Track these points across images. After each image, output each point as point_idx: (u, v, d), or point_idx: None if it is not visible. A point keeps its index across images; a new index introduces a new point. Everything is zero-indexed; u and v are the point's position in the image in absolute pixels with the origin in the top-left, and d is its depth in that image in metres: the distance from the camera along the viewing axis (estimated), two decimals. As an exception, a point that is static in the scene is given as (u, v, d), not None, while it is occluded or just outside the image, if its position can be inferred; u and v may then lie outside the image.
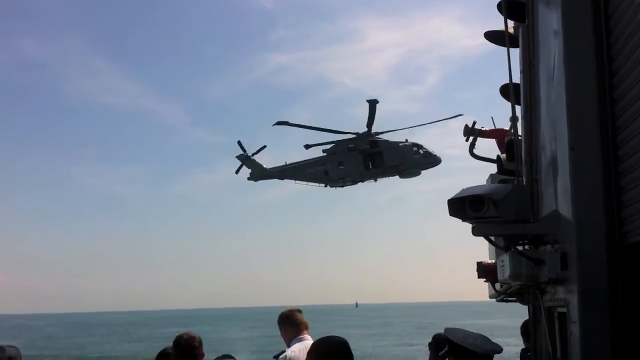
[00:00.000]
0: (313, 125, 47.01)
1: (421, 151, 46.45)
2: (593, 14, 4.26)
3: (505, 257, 4.70)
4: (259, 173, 50.19)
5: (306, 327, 5.59)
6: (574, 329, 4.17)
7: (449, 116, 45.27)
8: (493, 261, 6.40)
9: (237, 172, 50.76)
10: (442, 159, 47.64)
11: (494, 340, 4.88)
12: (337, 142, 47.30)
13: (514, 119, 5.54)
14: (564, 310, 4.47)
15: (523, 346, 8.39)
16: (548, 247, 4.66)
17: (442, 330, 5.58)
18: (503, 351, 4.90)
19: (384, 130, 46.95)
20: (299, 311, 5.71)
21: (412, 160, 46.12)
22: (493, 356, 4.79)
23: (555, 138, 4.62)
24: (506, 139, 7.91)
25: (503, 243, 5.77)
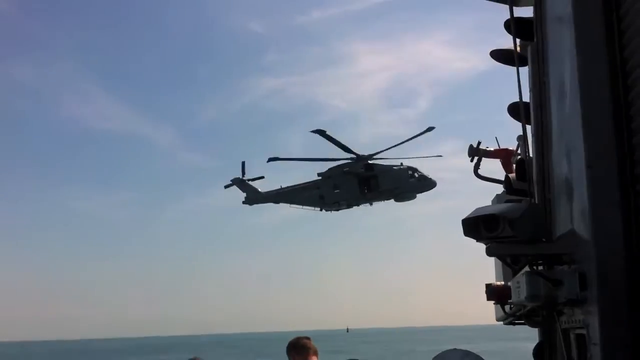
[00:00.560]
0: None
1: (416, 175, 46.52)
2: (606, 30, 4.23)
3: (522, 278, 4.59)
4: (254, 197, 50.09)
5: (315, 353, 5.46)
6: (595, 351, 4.06)
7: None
8: (502, 283, 6.29)
9: (226, 186, 50.72)
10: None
11: None
12: (333, 167, 47.32)
13: (524, 137, 5.48)
14: (582, 332, 4.35)
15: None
16: (565, 267, 4.56)
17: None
18: None
19: (374, 151, 46.88)
20: (307, 338, 5.59)
21: (407, 184, 46.16)
22: None
23: (570, 156, 4.55)
24: (513, 159, 7.87)
25: (512, 263, 5.66)
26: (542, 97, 5.26)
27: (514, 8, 6.04)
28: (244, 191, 50.07)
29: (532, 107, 5.41)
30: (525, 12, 6.00)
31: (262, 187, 50.13)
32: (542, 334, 7.37)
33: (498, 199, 7.66)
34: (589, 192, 4.10)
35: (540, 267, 4.96)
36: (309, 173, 49.83)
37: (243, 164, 49.58)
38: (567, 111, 4.56)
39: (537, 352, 6.51)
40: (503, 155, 8.19)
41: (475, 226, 4.75)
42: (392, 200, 47.77)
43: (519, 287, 4.72)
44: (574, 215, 4.47)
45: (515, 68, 6.33)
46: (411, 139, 46.39)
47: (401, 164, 47.08)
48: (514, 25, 5.35)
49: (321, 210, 49.03)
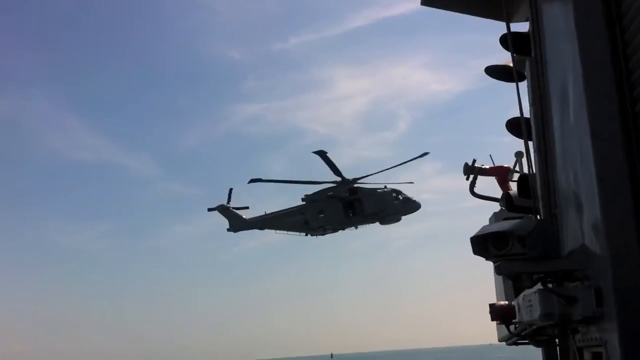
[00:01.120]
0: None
1: (400, 197, 46.44)
2: (610, 42, 4.19)
3: (534, 297, 4.46)
4: (238, 223, 49.63)
5: None
6: None
7: (416, 160, 45.83)
8: (506, 302, 6.16)
9: (209, 210, 50.30)
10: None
11: None
12: (317, 191, 47.12)
13: (527, 153, 5.39)
14: (599, 350, 4.23)
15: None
16: (578, 283, 4.44)
17: None
18: None
19: (360, 176, 46.89)
20: None
21: (392, 207, 46.04)
22: None
23: (578, 170, 4.47)
24: (510, 176, 7.80)
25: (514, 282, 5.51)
26: (543, 111, 5.19)
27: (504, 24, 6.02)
28: (228, 218, 49.64)
29: (533, 121, 5.34)
30: (516, 27, 5.98)
31: (246, 214, 49.76)
32: (546, 354, 7.24)
33: (496, 217, 7.54)
34: (601, 205, 4.02)
35: (549, 285, 4.84)
36: (293, 199, 49.60)
37: (230, 190, 49.20)
38: (572, 124, 4.49)
39: None
40: (499, 172, 8.11)
41: (483, 244, 4.63)
42: (377, 223, 47.68)
43: (530, 305, 4.59)
44: (584, 229, 4.37)
45: (506, 83, 6.29)
46: (406, 162, 46.73)
47: (385, 186, 47.02)
48: (511, 41, 5.30)
49: (306, 235, 48.69)
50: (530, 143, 5.48)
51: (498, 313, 6.16)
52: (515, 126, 5.84)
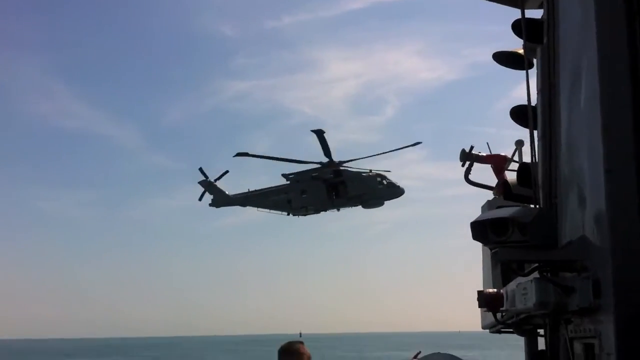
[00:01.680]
0: (273, 153, 46.82)
1: (385, 182, 46.52)
2: (629, 33, 4.13)
3: (530, 285, 4.44)
4: (221, 199, 49.55)
5: (309, 359, 5.19)
6: None
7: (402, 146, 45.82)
8: (495, 290, 6.16)
9: (200, 198, 50.06)
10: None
11: None
12: (301, 171, 47.04)
13: (532, 142, 5.35)
14: (592, 341, 4.23)
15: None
16: (575, 274, 4.43)
17: None
18: None
19: (347, 159, 46.87)
20: (301, 342, 5.30)
21: (375, 191, 46.12)
22: None
23: (584, 160, 4.43)
24: (507, 165, 7.79)
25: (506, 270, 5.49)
26: (552, 100, 5.14)
27: (511, 10, 5.96)
28: (211, 193, 49.48)
29: (540, 110, 5.29)
30: (518, 14, 5.90)
31: (228, 190, 49.66)
32: (529, 343, 7.29)
33: (489, 204, 7.54)
34: (607, 197, 3.99)
35: (546, 274, 4.83)
36: (275, 177, 49.48)
37: (201, 169, 49.32)
38: (582, 114, 4.45)
39: None
40: (496, 160, 8.10)
41: (483, 230, 4.60)
42: (359, 207, 47.78)
43: (525, 293, 4.57)
44: (586, 221, 4.34)
45: (513, 70, 6.24)
46: (399, 149, 46.69)
47: (370, 170, 47.04)
48: (524, 27, 5.23)
49: (288, 214, 48.68)
50: (535, 132, 5.43)
51: (486, 300, 6.18)
52: (520, 114, 5.79)
